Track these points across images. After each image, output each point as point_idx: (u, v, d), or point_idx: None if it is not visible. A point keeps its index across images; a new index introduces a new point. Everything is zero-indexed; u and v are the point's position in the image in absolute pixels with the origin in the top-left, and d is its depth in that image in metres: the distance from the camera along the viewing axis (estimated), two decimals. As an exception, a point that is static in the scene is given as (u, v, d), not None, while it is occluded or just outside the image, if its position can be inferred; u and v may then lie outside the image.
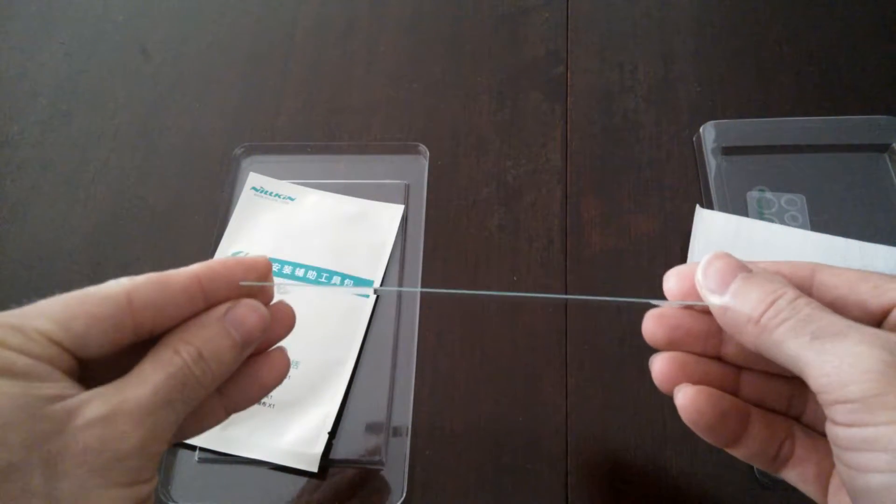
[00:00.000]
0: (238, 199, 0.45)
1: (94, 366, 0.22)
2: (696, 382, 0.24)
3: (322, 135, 0.48)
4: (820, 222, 0.40)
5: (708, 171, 0.43)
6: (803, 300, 0.21)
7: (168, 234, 0.45)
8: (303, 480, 0.36)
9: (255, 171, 0.46)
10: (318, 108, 0.49)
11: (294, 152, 0.47)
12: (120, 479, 0.20)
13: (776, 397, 0.25)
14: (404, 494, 0.35)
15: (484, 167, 0.46)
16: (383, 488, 0.36)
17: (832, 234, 0.39)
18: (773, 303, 0.21)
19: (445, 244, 0.43)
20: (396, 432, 0.37)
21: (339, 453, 0.37)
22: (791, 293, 0.21)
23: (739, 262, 0.23)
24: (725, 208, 0.41)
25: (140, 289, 0.22)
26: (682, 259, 0.40)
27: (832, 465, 0.22)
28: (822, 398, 0.19)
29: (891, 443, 0.17)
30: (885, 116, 0.43)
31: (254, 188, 0.45)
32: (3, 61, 0.54)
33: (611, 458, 0.36)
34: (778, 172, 0.43)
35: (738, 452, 0.25)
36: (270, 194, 0.45)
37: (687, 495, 0.35)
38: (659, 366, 0.25)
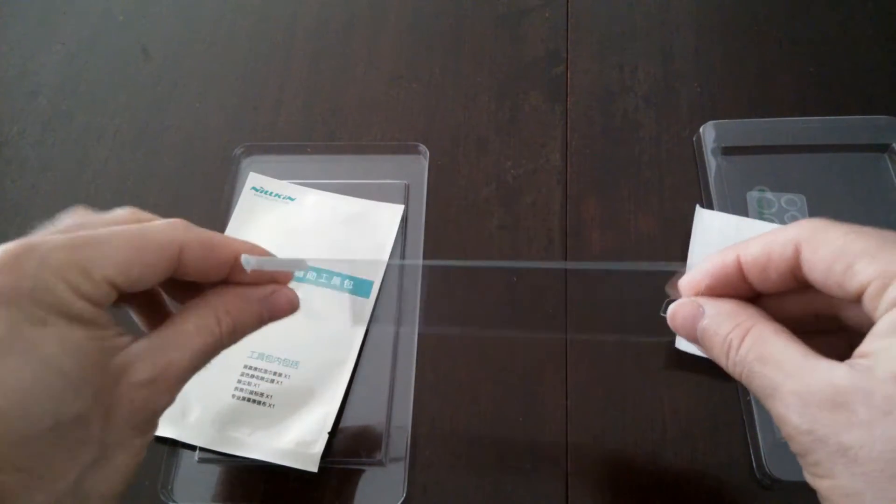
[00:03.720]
0: (238, 198, 0.45)
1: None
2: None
3: (322, 135, 0.48)
4: (820, 222, 0.40)
5: (708, 171, 0.43)
6: (744, 347, 0.22)
7: (168, 234, 0.45)
8: (303, 480, 0.36)
9: (255, 171, 0.46)
10: (318, 108, 0.49)
11: (294, 152, 0.47)
12: (145, 430, 0.22)
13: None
14: (404, 494, 0.35)
15: (484, 167, 0.46)
16: (383, 488, 0.36)
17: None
18: (726, 356, 0.23)
19: (445, 244, 0.43)
20: (396, 432, 0.37)
21: (339, 453, 0.37)
22: (736, 339, 0.22)
23: (696, 309, 0.24)
24: (725, 208, 0.41)
25: (192, 247, 0.23)
26: (682, 259, 0.40)
27: None
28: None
29: (822, 495, 0.20)
30: (885, 116, 0.43)
31: (254, 188, 0.45)
32: (3, 61, 0.54)
33: (611, 458, 0.36)
34: (778, 172, 0.43)
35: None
36: (270, 194, 0.45)
37: (687, 495, 0.35)
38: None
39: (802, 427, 0.19)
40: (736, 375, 0.22)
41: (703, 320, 0.24)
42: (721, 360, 0.23)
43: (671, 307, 0.25)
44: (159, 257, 0.23)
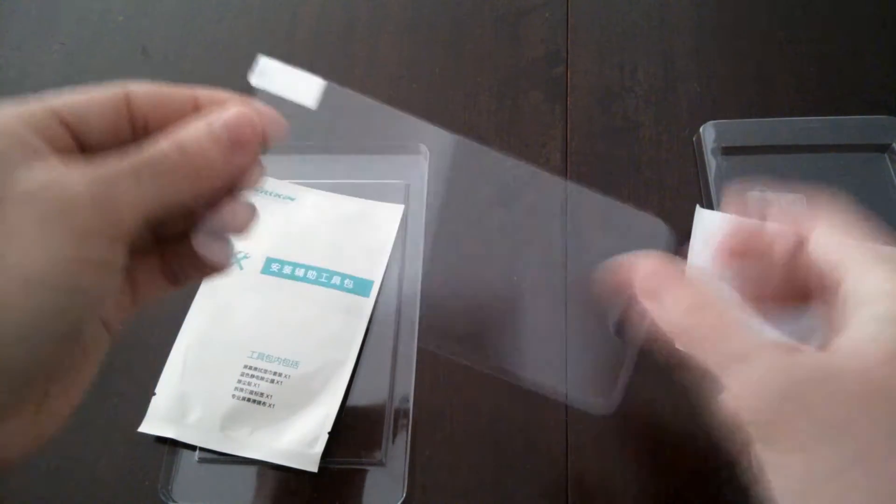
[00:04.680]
0: (238, 199, 0.45)
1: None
2: None
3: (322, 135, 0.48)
4: (820, 222, 0.40)
5: (708, 171, 0.43)
6: (707, 324, 0.22)
7: (168, 234, 0.45)
8: (303, 480, 0.36)
9: (255, 171, 0.46)
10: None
11: (294, 152, 0.47)
12: (67, 226, 0.18)
13: None
14: (404, 494, 0.35)
15: (484, 167, 0.46)
16: (383, 488, 0.36)
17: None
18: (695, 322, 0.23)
19: (445, 244, 0.43)
20: (396, 432, 0.37)
21: (339, 453, 0.37)
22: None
23: (670, 270, 0.24)
24: (725, 208, 0.41)
25: (138, 88, 0.22)
26: (682, 259, 0.40)
27: None
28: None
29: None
30: (885, 116, 0.43)
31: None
32: (3, 61, 0.54)
33: (611, 459, 0.36)
34: (778, 172, 0.43)
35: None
36: (270, 194, 0.45)
37: (687, 494, 0.35)
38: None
39: (749, 419, 0.20)
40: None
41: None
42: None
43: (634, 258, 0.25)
44: (103, 92, 0.22)
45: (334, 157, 0.47)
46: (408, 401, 0.38)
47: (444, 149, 0.46)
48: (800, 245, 0.24)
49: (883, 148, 0.43)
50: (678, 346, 0.23)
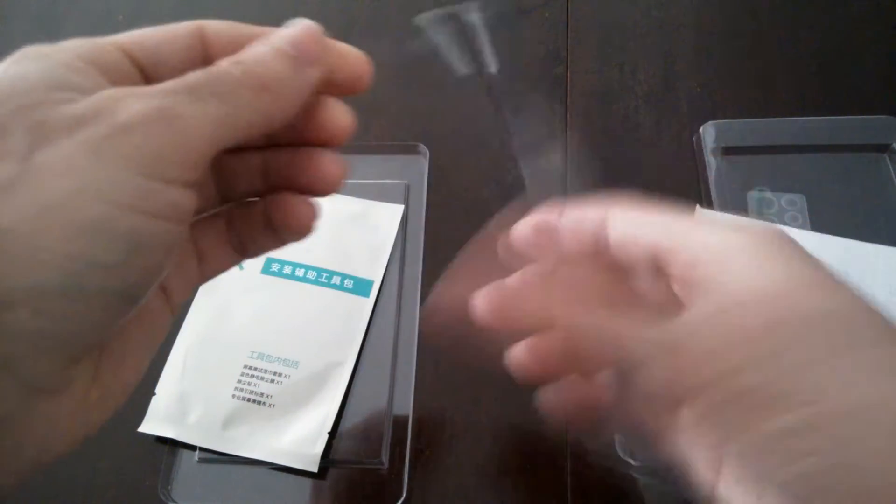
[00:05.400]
0: (238, 199, 0.45)
1: None
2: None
3: (322, 135, 0.48)
4: (820, 222, 0.40)
5: (708, 171, 0.43)
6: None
7: (168, 234, 0.45)
8: (303, 480, 0.36)
9: (255, 171, 0.46)
10: (318, 108, 0.49)
11: (294, 152, 0.47)
12: (123, 154, 0.16)
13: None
14: (404, 494, 0.35)
15: (484, 167, 0.46)
16: (383, 488, 0.36)
17: (832, 235, 0.39)
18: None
19: (445, 244, 0.43)
20: (396, 432, 0.37)
21: (339, 453, 0.37)
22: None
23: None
24: (725, 208, 0.41)
25: (213, 24, 0.22)
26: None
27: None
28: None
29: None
30: (885, 116, 0.43)
31: (254, 188, 0.45)
32: (3, 61, 0.54)
33: (611, 458, 0.36)
34: (778, 172, 0.43)
35: (599, 429, 0.25)
36: (270, 194, 0.45)
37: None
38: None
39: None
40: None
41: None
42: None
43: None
44: (175, 29, 0.21)
45: (334, 157, 0.47)
46: (408, 401, 0.38)
47: (444, 149, 0.46)
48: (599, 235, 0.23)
49: (883, 148, 0.43)
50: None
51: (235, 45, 0.21)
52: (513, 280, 0.24)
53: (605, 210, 0.23)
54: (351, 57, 0.24)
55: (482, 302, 0.23)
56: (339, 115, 0.22)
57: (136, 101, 0.16)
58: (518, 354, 0.24)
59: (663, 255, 0.21)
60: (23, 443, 0.16)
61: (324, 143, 0.22)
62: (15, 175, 0.15)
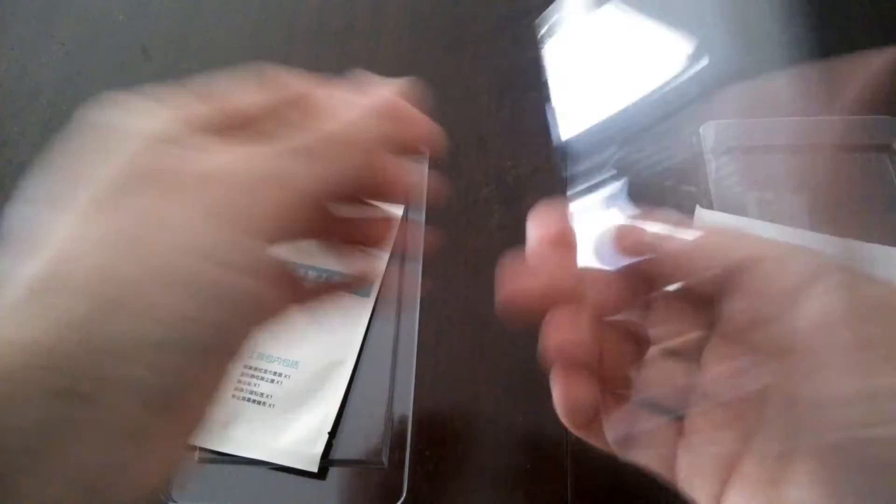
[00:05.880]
0: (238, 199, 0.45)
1: None
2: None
3: (322, 135, 0.48)
4: (820, 222, 0.40)
5: (708, 171, 0.43)
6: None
7: (168, 234, 0.45)
8: (303, 480, 0.36)
9: (255, 171, 0.46)
10: (318, 108, 0.49)
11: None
12: (233, 211, 0.16)
13: (626, 365, 0.24)
14: (404, 494, 0.35)
15: (484, 167, 0.46)
16: (383, 488, 0.36)
17: (832, 235, 0.39)
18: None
19: (445, 244, 0.43)
20: (396, 432, 0.37)
21: (339, 453, 0.37)
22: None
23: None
24: (725, 208, 0.41)
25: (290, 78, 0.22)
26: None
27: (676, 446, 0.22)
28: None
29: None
30: (885, 116, 0.43)
31: (254, 188, 0.45)
32: (3, 61, 0.54)
33: (611, 458, 0.36)
34: (778, 172, 0.43)
35: (586, 435, 0.24)
36: (270, 194, 0.45)
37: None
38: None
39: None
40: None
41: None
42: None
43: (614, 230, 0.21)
44: (246, 83, 0.21)
45: (334, 157, 0.47)
46: (408, 400, 0.38)
47: (443, 149, 0.46)
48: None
49: (883, 148, 0.43)
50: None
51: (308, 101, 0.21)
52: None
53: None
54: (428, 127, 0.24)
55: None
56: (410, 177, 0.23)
57: (250, 162, 0.17)
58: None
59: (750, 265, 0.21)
60: (113, 484, 0.16)
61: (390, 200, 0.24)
62: (137, 228, 0.16)
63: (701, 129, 0.44)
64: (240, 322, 0.17)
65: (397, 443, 0.37)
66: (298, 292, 0.24)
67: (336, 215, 0.23)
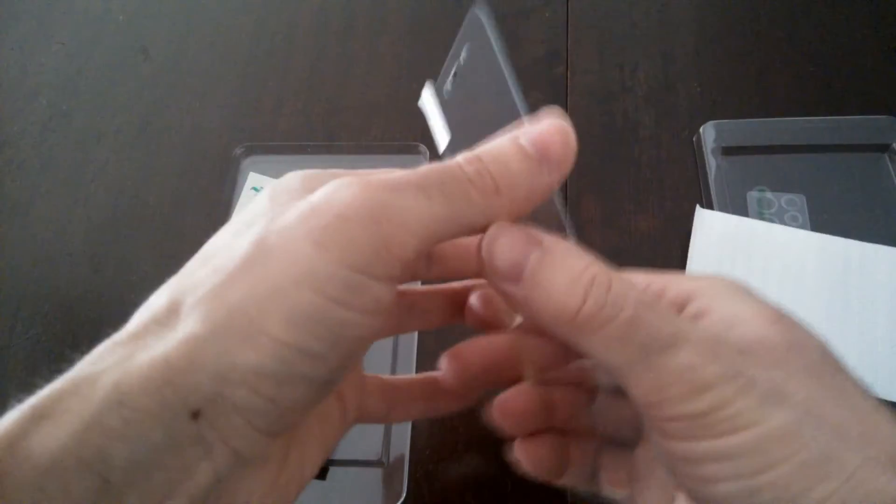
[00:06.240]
0: (238, 199, 0.45)
1: None
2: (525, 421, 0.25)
3: (322, 135, 0.48)
4: (820, 222, 0.40)
5: (708, 171, 0.43)
6: (619, 285, 0.18)
7: (168, 234, 0.45)
8: (303, 480, 0.36)
9: (255, 171, 0.46)
10: (318, 108, 0.49)
11: (294, 152, 0.47)
12: (341, 243, 0.16)
13: (582, 409, 0.25)
14: (404, 494, 0.35)
15: (484, 167, 0.46)
16: (383, 488, 0.36)
17: (832, 235, 0.39)
18: (585, 294, 0.17)
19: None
20: (396, 432, 0.37)
21: (339, 453, 0.37)
22: (602, 275, 0.18)
23: (529, 235, 0.18)
24: (725, 208, 0.41)
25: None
26: (683, 259, 0.40)
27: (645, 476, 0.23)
28: (651, 413, 0.18)
29: (733, 451, 0.17)
30: (885, 116, 0.43)
31: (254, 188, 0.45)
32: (3, 61, 0.54)
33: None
34: (778, 172, 0.43)
35: (563, 481, 0.25)
36: (270, 194, 0.45)
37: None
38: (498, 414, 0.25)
39: (727, 373, 0.17)
40: (599, 322, 0.17)
41: (537, 251, 0.18)
42: (568, 305, 0.17)
43: (489, 233, 0.18)
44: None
45: (334, 156, 0.47)
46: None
47: (444, 149, 0.46)
48: None
49: (883, 148, 0.43)
50: (564, 339, 0.18)
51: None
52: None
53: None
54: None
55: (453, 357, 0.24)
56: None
57: (362, 192, 0.17)
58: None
59: (658, 291, 0.22)
60: (217, 501, 0.17)
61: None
62: (250, 254, 0.16)
63: (701, 129, 0.44)
64: (341, 355, 0.17)
65: (397, 443, 0.37)
66: (391, 324, 0.25)
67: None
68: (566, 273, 0.18)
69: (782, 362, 0.18)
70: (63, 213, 0.46)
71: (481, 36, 0.21)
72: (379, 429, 0.37)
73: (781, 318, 0.20)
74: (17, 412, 0.15)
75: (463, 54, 0.22)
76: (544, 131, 0.20)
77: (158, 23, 0.55)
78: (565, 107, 0.47)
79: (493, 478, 0.36)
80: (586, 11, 0.51)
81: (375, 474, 0.36)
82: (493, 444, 0.37)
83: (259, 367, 0.16)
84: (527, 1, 0.52)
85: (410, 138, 0.47)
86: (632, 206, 0.43)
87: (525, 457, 0.24)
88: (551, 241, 0.19)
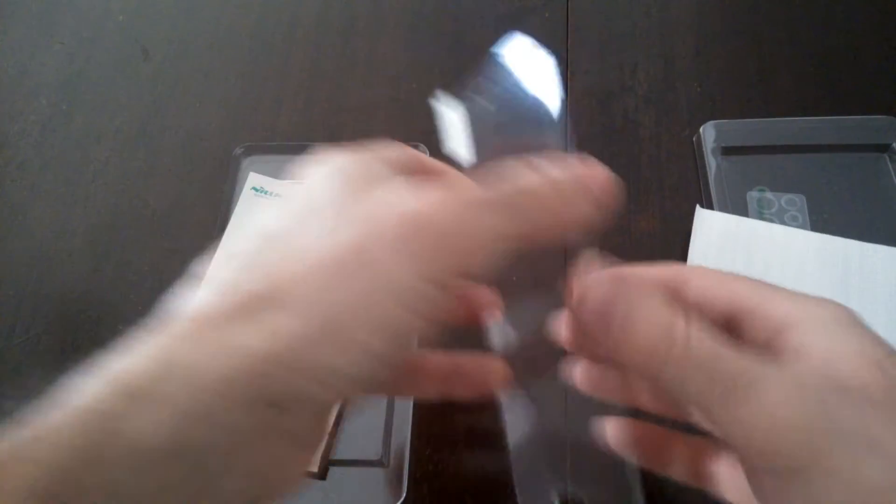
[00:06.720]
0: (238, 199, 0.45)
1: None
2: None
3: (322, 135, 0.48)
4: (820, 222, 0.40)
5: (708, 171, 0.43)
6: (696, 330, 0.19)
7: (168, 234, 0.45)
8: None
9: (255, 171, 0.46)
10: (318, 108, 0.49)
11: (294, 152, 0.47)
12: (416, 253, 0.17)
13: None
14: (404, 494, 0.35)
15: (483, 167, 0.46)
16: (383, 488, 0.36)
17: (832, 234, 0.39)
18: (667, 354, 0.19)
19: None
20: (396, 432, 0.37)
21: (339, 453, 0.37)
22: (681, 322, 0.19)
23: (615, 284, 0.21)
24: (725, 208, 0.41)
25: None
26: (683, 259, 0.40)
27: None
28: (742, 458, 0.19)
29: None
30: (885, 116, 0.43)
31: (254, 188, 0.45)
32: (4, 61, 0.54)
33: (611, 458, 0.36)
34: (778, 172, 0.43)
35: (671, 473, 0.26)
36: (271, 194, 0.45)
37: (689, 494, 0.35)
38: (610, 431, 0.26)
39: (817, 420, 0.17)
40: (676, 372, 0.18)
41: (623, 305, 0.20)
42: (650, 365, 0.19)
43: (580, 284, 0.21)
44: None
45: (334, 157, 0.47)
46: (408, 400, 0.38)
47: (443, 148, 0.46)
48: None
49: (883, 148, 0.43)
50: (646, 378, 0.19)
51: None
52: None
53: (679, 268, 0.23)
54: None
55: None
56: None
57: (452, 207, 0.18)
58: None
59: (746, 315, 0.21)
60: (284, 482, 0.18)
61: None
62: (348, 261, 0.17)
63: (701, 129, 0.44)
64: (404, 358, 0.19)
65: (397, 442, 0.37)
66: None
67: None
68: (651, 330, 0.19)
69: (881, 409, 0.17)
70: (63, 213, 0.46)
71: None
72: (379, 429, 0.37)
73: (887, 358, 0.19)
74: (101, 384, 0.15)
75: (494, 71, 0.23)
76: (602, 176, 0.22)
77: (158, 23, 0.55)
78: (565, 107, 0.47)
79: (493, 478, 0.36)
80: (586, 11, 0.51)
81: (376, 474, 0.36)
82: (493, 444, 0.37)
83: (345, 371, 0.17)
84: (527, 1, 0.52)
85: (410, 138, 0.47)
86: (632, 206, 0.43)
87: (617, 442, 0.26)
88: (636, 284, 0.20)
